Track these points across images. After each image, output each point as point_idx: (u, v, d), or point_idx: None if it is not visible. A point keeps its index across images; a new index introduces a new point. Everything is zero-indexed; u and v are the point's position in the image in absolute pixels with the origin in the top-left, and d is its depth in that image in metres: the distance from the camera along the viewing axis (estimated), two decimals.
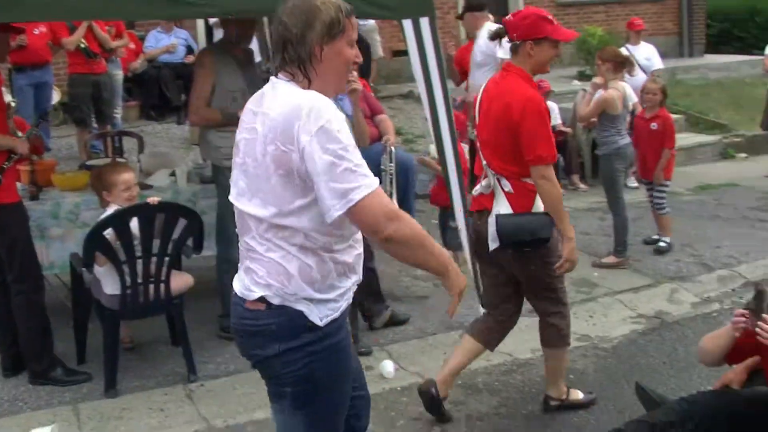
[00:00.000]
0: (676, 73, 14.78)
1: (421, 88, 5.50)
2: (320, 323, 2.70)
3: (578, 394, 4.81)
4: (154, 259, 5.00)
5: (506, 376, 5.21)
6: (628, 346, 5.70)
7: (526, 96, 4.26)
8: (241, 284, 2.81)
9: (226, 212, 5.60)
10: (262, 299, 2.70)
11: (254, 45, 7.15)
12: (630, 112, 7.88)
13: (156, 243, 4.98)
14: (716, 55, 17.50)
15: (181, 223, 5.08)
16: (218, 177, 5.67)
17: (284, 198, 2.61)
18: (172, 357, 5.43)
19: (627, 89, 7.51)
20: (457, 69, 8.92)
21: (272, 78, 2.75)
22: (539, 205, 4.32)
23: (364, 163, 2.61)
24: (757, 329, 3.66)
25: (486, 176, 4.47)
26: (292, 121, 2.53)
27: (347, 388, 2.90)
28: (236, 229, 2.85)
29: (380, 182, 6.91)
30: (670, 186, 7.77)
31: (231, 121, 5.37)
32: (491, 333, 4.66)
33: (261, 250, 2.70)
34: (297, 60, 2.66)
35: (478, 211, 4.52)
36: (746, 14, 18.27)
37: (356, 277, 2.87)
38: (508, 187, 4.33)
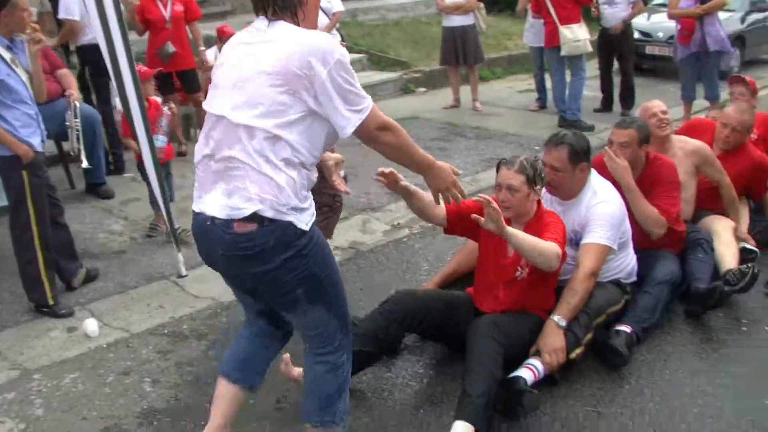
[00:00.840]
0: (357, 14, 15.25)
1: (100, 40, 5.35)
2: (306, 228, 3.06)
3: None
4: None
5: (212, 320, 5.27)
6: None
7: None
8: (224, 207, 3.02)
9: None
10: (253, 216, 2.96)
11: None
12: None
13: None
14: None
15: None
16: None
17: (284, 112, 2.96)
18: None
19: None
20: (140, 20, 8.84)
21: (263, 18, 3.10)
22: None
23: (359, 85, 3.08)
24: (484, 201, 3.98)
25: None
26: (309, 52, 2.94)
27: (334, 260, 3.34)
28: (212, 145, 3.09)
29: (67, 138, 6.76)
30: None
31: None
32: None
33: (252, 163, 2.97)
34: (290, 7, 3.09)
35: None
36: None
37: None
38: None
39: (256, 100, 2.97)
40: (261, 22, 3.11)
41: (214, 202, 3.05)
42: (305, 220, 3.06)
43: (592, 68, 11.30)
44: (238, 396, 3.61)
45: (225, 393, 3.60)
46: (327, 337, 3.33)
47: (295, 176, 3.01)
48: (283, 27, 3.05)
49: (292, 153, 2.99)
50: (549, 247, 4.08)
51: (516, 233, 4.05)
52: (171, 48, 8.88)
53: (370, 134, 3.11)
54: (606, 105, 11.45)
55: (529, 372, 4.16)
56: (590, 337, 4.46)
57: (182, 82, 9.17)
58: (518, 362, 4.26)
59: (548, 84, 11.25)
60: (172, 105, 6.81)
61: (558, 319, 4.32)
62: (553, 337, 4.26)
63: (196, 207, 3.15)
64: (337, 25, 11.14)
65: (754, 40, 15.16)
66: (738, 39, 14.53)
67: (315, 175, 3.16)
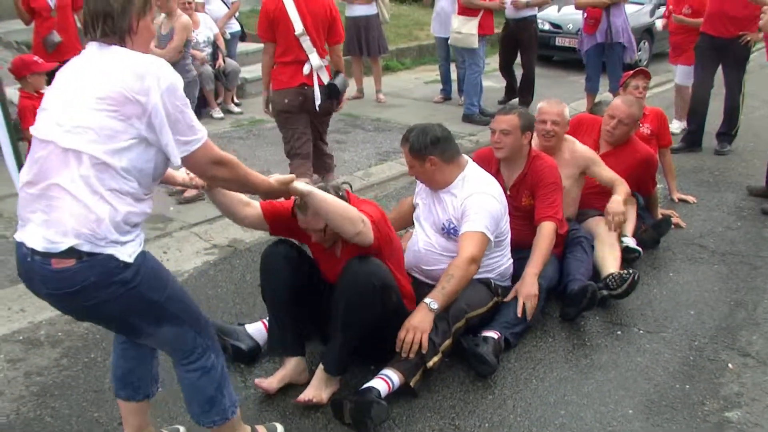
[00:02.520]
0: (257, 4, 14.97)
1: None
2: (131, 260, 2.89)
3: None
4: None
5: (70, 325, 4.97)
6: (199, 278, 5.69)
7: None
8: (41, 239, 2.83)
9: None
10: (70, 251, 2.79)
11: None
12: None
13: None
14: None
15: None
16: None
17: (114, 137, 2.82)
18: None
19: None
20: (25, 8, 8.67)
21: (93, 44, 2.99)
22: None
23: (195, 117, 3.01)
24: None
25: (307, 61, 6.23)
26: (142, 76, 2.83)
27: (172, 277, 3.18)
28: (35, 171, 2.89)
29: None
30: None
31: None
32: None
33: (74, 192, 2.79)
34: (118, 32, 2.98)
35: (306, 85, 6.28)
36: None
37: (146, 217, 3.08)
38: (326, 62, 6.35)
39: (86, 124, 2.82)
40: (92, 47, 3.01)
41: (33, 232, 2.86)
42: (128, 252, 2.90)
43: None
44: (140, 406, 3.58)
45: (125, 409, 3.60)
46: (187, 348, 3.25)
47: (121, 208, 2.86)
48: (115, 51, 2.96)
49: (121, 182, 2.87)
50: (353, 210, 3.83)
51: (321, 195, 3.75)
52: (57, 37, 8.63)
53: (204, 169, 3.11)
54: (509, 96, 11.35)
55: (382, 383, 3.96)
56: (449, 343, 4.25)
57: None
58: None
59: (454, 75, 11.13)
60: None
61: (430, 301, 4.15)
62: (421, 318, 4.10)
63: (18, 236, 2.95)
64: (237, 14, 10.94)
65: (663, 34, 15.20)
66: (647, 32, 14.61)
67: (148, 207, 3.02)
